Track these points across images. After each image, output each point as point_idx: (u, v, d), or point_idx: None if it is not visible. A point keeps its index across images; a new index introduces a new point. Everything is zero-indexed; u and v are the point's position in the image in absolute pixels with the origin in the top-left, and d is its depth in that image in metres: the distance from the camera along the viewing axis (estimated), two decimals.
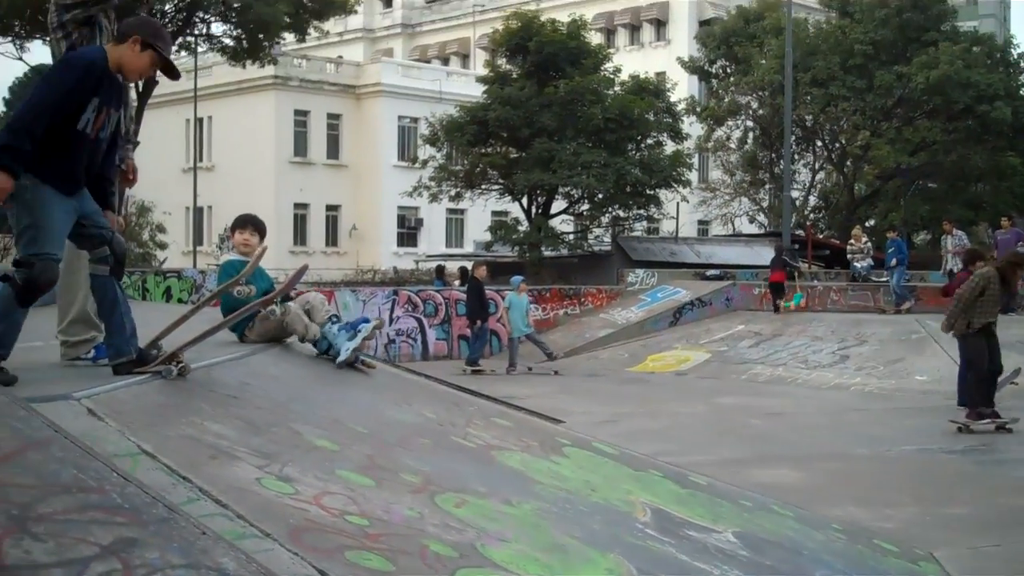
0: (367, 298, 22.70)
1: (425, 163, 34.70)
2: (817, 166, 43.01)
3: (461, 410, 7.12)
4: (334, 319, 6.94)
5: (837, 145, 41.19)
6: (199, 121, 47.87)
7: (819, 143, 41.79)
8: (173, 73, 5.35)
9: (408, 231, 52.26)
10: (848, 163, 41.00)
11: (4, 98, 67.73)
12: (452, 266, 33.86)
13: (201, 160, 49.11)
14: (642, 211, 34.44)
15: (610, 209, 34.03)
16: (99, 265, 5.17)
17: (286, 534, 3.61)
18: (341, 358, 6.67)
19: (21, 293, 4.83)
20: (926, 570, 6.49)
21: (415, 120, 49.48)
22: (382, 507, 4.38)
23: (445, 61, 66.87)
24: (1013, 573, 6.83)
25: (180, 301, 22.68)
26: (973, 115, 36.30)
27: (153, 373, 5.09)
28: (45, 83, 4.93)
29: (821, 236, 38.81)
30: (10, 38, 31.41)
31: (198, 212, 46.84)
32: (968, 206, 40.68)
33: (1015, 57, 40.30)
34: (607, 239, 35.21)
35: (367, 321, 6.93)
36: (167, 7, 30.78)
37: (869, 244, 26.76)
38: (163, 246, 43.84)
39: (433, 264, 35.29)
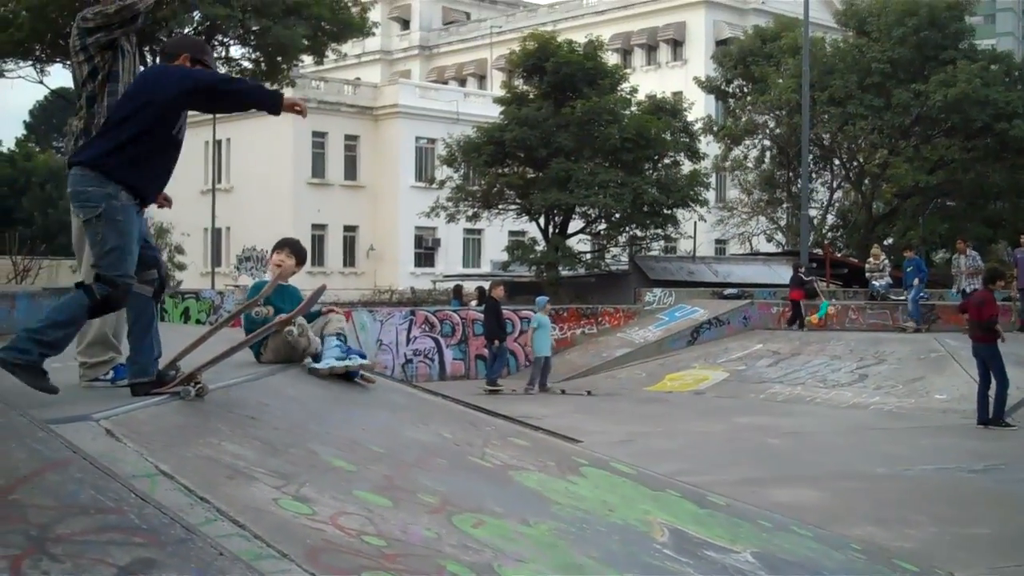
0: (384, 318, 22.73)
1: (442, 183, 34.83)
2: (835, 185, 42.94)
3: (478, 430, 7.12)
4: (341, 336, 6.92)
5: (855, 164, 41.13)
6: (217, 143, 48.15)
7: (837, 162, 41.73)
8: None
9: (425, 251, 52.36)
10: (866, 182, 40.92)
11: (25, 121, 68.47)
12: (469, 286, 33.92)
13: (219, 182, 49.33)
14: (659, 230, 34.46)
15: (627, 228, 34.04)
16: (144, 285, 5.25)
17: (303, 555, 3.61)
18: (315, 365, 6.63)
19: (96, 307, 4.95)
20: None
21: (432, 141, 49.62)
22: (399, 527, 4.38)
23: (462, 82, 67.12)
24: None
25: (198, 322, 22.76)
26: (992, 133, 36.18)
27: (171, 394, 5.11)
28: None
29: (839, 254, 38.67)
30: (31, 62, 31.70)
31: (216, 233, 47.03)
32: (987, 224, 40.51)
33: None
34: (624, 258, 35.22)
35: (363, 358, 6.87)
36: (186, 30, 31.04)
37: (887, 262, 26.66)
38: (181, 267, 44.09)
39: (450, 284, 35.37)
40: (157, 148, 5.17)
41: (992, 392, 14.45)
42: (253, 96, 5.25)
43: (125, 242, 4.98)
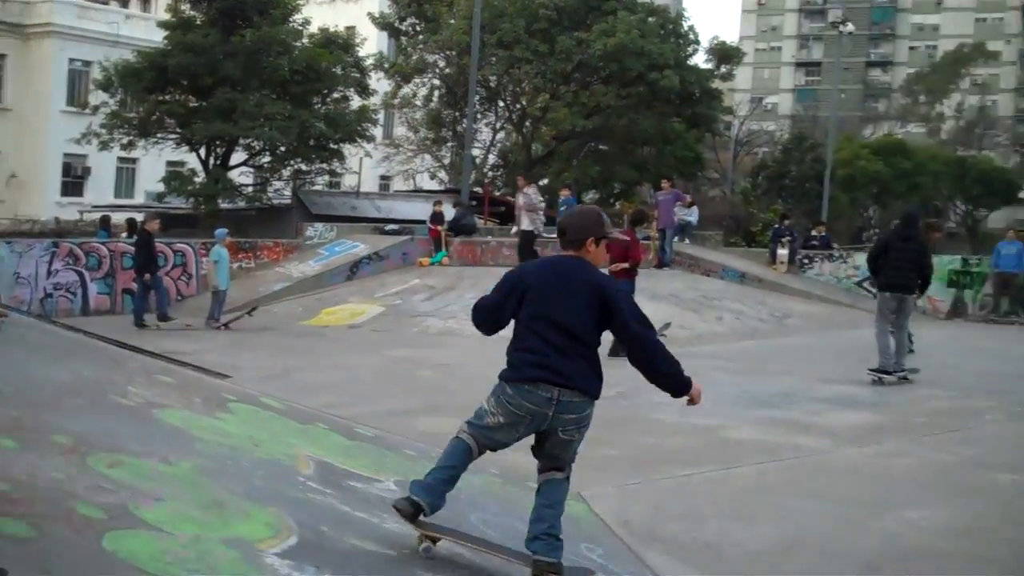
0: (24, 251, 21.46)
1: (96, 109, 32.91)
2: (498, 126, 44.12)
3: (122, 367, 6.97)
4: None
5: (518, 106, 42.38)
6: None
7: (501, 104, 42.84)
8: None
9: (74, 180, 49.42)
10: (527, 124, 42.30)
11: None
12: (122, 217, 32.53)
13: None
14: (325, 165, 34.27)
15: (292, 162, 33.62)
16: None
17: None
18: None
19: None
20: (574, 509, 6.95)
21: (88, 64, 46.82)
22: (26, 470, 4.26)
23: (124, 3, 63.43)
24: (651, 506, 7.44)
25: None
26: (644, 82, 37.95)
27: None
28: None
29: (498, 193, 39.92)
30: None
31: None
32: (635, 168, 42.77)
33: (685, 29, 42.57)
34: (287, 192, 34.80)
35: None
36: None
37: (542, 201, 27.84)
38: None
39: (99, 215, 33.74)
40: None
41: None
42: (671, 381, 5.28)
43: None
